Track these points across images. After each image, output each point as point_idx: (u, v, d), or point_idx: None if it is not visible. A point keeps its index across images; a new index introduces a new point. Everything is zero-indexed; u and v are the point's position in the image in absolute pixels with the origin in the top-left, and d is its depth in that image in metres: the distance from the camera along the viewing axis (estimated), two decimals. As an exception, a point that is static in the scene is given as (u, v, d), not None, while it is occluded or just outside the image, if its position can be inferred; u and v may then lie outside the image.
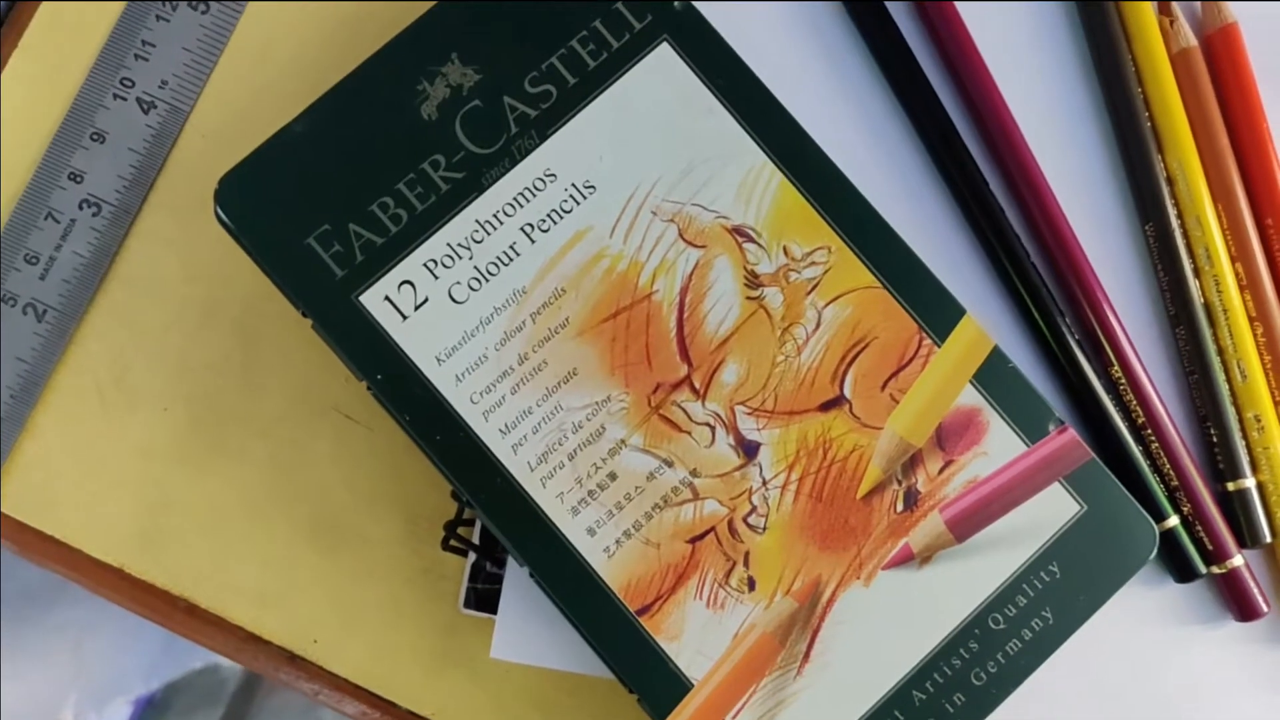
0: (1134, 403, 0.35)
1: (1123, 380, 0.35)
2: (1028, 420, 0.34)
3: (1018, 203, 0.36)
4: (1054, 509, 0.34)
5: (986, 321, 0.36)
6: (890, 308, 0.34)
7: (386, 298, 0.33)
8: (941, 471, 0.34)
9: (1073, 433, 0.34)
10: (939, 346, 0.34)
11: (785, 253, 0.34)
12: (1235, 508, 0.35)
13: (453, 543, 0.36)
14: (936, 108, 0.36)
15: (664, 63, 0.34)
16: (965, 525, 0.34)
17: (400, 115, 0.34)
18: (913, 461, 0.34)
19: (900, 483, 0.34)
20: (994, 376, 0.34)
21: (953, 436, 0.34)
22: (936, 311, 0.34)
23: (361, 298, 0.33)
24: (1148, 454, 0.35)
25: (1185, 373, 0.36)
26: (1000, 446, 0.34)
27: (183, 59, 0.38)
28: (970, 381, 0.34)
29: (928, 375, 0.34)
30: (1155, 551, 0.34)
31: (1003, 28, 0.37)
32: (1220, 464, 0.35)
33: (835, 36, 0.36)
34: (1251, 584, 0.35)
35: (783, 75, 0.36)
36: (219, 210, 0.33)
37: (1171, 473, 0.35)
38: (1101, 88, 0.36)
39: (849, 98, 0.36)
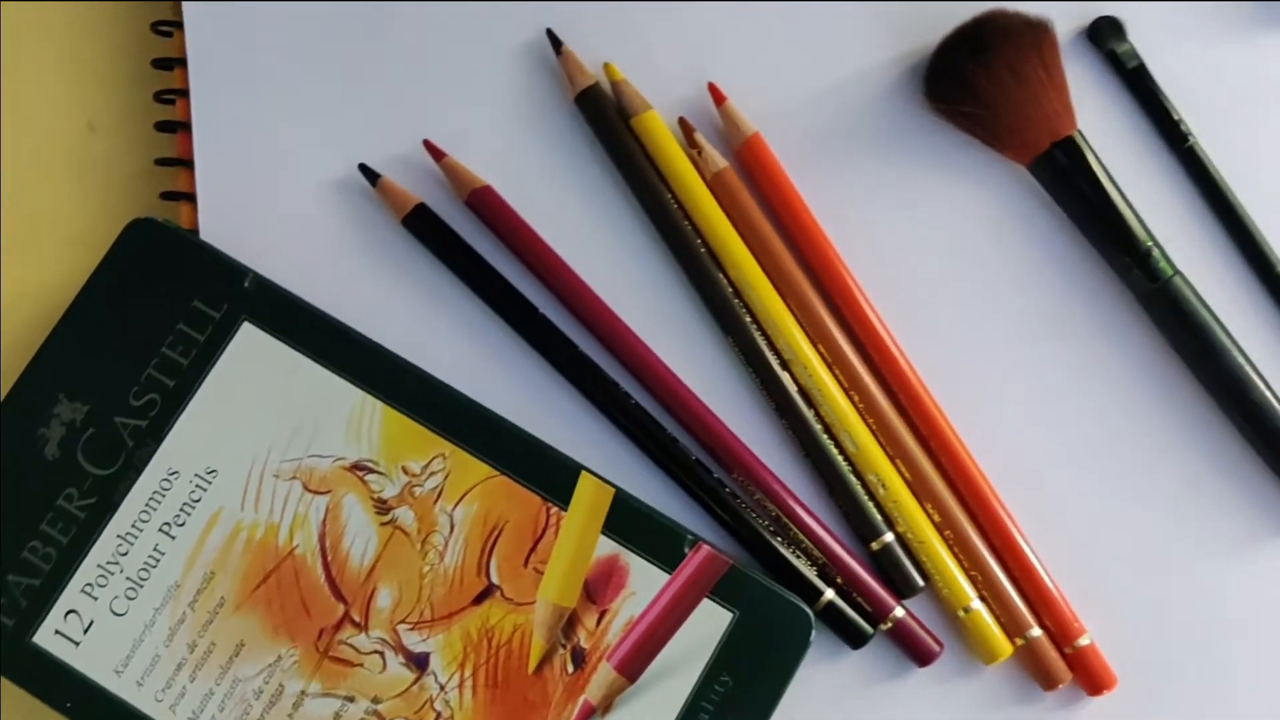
0: (763, 499, 0.38)
1: (747, 481, 0.38)
2: (664, 550, 0.37)
3: (613, 354, 0.39)
4: (709, 623, 0.36)
5: (611, 463, 0.38)
6: (513, 490, 0.37)
7: (57, 631, 0.36)
8: (599, 623, 0.36)
9: (707, 549, 0.37)
10: (565, 510, 0.37)
11: (405, 471, 0.37)
12: (885, 564, 0.38)
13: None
14: (517, 297, 0.39)
15: (249, 339, 0.37)
16: (633, 665, 0.36)
17: (28, 464, 0.37)
18: (571, 623, 0.36)
19: (565, 646, 0.36)
20: (623, 519, 0.37)
21: (600, 588, 0.36)
22: (555, 479, 0.37)
23: (35, 639, 0.36)
24: (790, 541, 0.38)
25: (803, 455, 0.39)
26: (646, 583, 0.36)
27: None
28: (603, 533, 0.37)
29: (562, 540, 0.37)
30: (813, 631, 0.36)
31: (558, 210, 0.40)
32: (859, 528, 0.38)
33: (404, 256, 0.40)
34: (918, 630, 0.38)
35: (374, 298, 0.39)
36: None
37: (817, 551, 0.38)
38: (659, 232, 0.39)
39: (440, 304, 0.39)
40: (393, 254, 0.40)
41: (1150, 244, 0.38)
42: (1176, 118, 0.40)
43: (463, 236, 0.39)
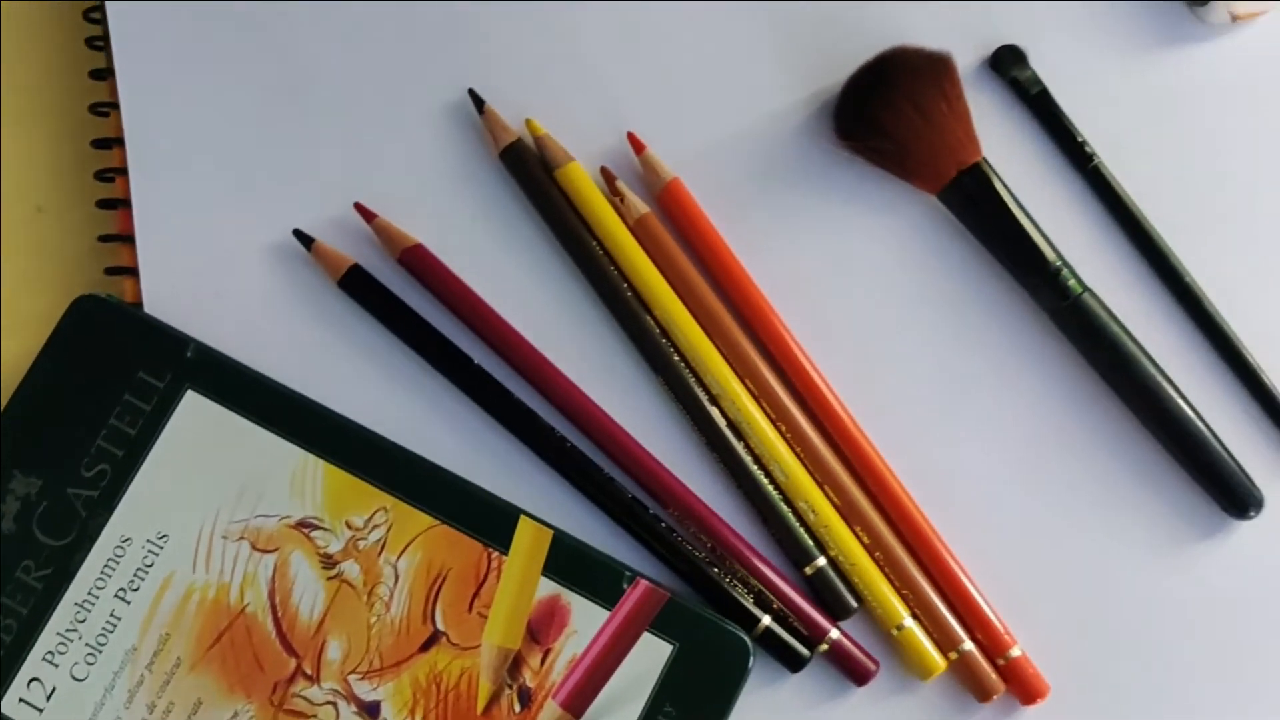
0: (699, 531, 0.39)
1: (683, 515, 0.39)
2: (604, 587, 0.38)
3: (548, 400, 0.40)
4: (650, 656, 0.37)
5: (551, 505, 0.40)
6: (454, 538, 0.38)
7: (21, 699, 0.37)
8: (544, 662, 0.37)
9: (645, 584, 0.38)
10: (506, 555, 0.38)
11: (348, 526, 0.38)
12: (819, 588, 0.39)
13: None
14: (452, 350, 0.40)
15: (193, 407, 0.39)
16: (578, 701, 0.37)
17: (-14, 539, 0.38)
18: (516, 663, 0.37)
19: (511, 686, 0.37)
20: (562, 560, 0.38)
21: (543, 628, 0.38)
22: (494, 524, 0.38)
23: (1, 709, 0.37)
24: (727, 570, 0.39)
25: (736, 487, 0.40)
26: (587, 620, 0.38)
27: None
28: (543, 574, 0.38)
29: (504, 584, 0.38)
30: (752, 658, 0.37)
31: (489, 263, 0.41)
32: (793, 554, 0.39)
33: (342, 315, 0.41)
34: (854, 651, 0.39)
35: (314, 359, 0.40)
36: None
37: (753, 579, 0.39)
38: (587, 279, 0.41)
39: (378, 361, 0.41)
40: (330, 315, 0.41)
41: (1059, 263, 0.40)
42: (1080, 139, 0.41)
43: (397, 294, 0.41)
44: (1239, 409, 0.41)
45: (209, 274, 0.41)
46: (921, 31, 0.42)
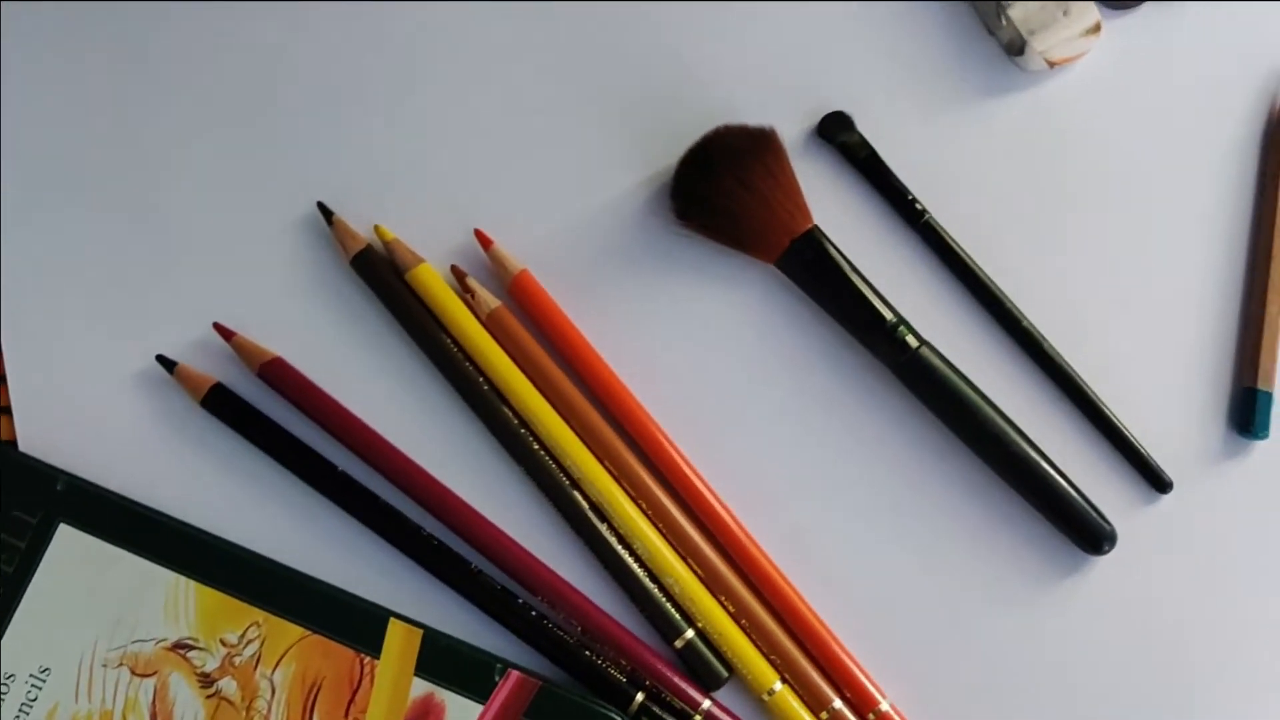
0: (570, 615, 0.40)
1: (553, 600, 0.40)
2: (476, 681, 0.39)
3: (414, 499, 0.41)
4: (525, 744, 0.38)
5: (423, 603, 0.40)
6: (327, 646, 0.39)
7: (-85, 845, 0.38)
8: (422, 760, 0.38)
9: (516, 674, 0.39)
10: (378, 658, 0.39)
11: (223, 643, 0.39)
12: (690, 659, 0.40)
13: None
14: (315, 459, 0.41)
15: (67, 540, 0.40)
16: (458, 796, 0.38)
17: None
18: (395, 764, 0.38)
19: (392, 787, 0.38)
20: (433, 658, 0.39)
21: (419, 727, 0.38)
22: (365, 629, 0.39)
23: None
24: (599, 651, 0.40)
25: (603, 567, 0.41)
26: (461, 716, 0.38)
27: None
28: (416, 674, 0.39)
29: (378, 688, 0.39)
30: (626, 737, 0.38)
31: (348, 368, 0.42)
32: (662, 629, 0.40)
33: (208, 434, 0.42)
34: (727, 719, 0.40)
35: (184, 480, 0.41)
36: None
37: (625, 658, 0.40)
38: (445, 376, 0.42)
39: (246, 476, 0.42)
40: (198, 434, 0.42)
41: (895, 320, 0.41)
42: (910, 197, 0.43)
43: (259, 409, 0.42)
44: (1087, 444, 0.42)
45: (80, 406, 0.42)
46: (750, 105, 0.43)
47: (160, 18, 0.44)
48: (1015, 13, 0.43)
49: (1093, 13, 0.43)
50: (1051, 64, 0.43)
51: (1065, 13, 0.43)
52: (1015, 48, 0.43)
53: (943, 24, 0.44)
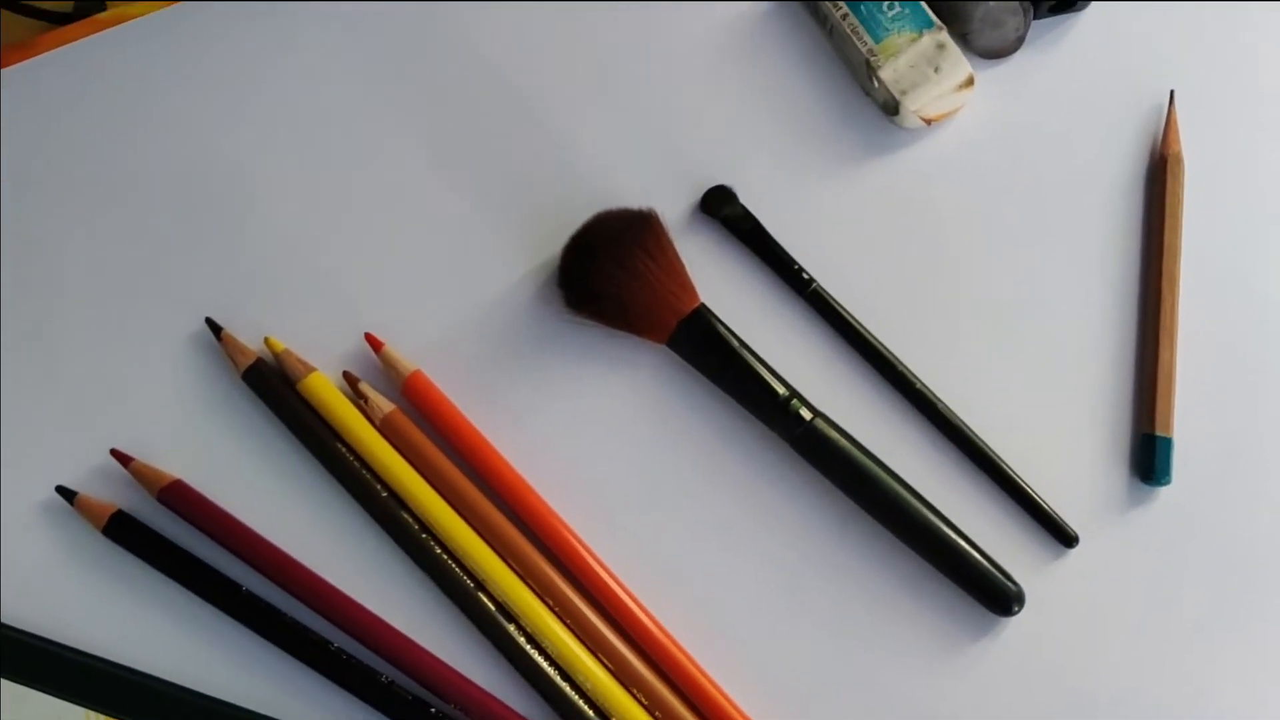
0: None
1: (466, 705, 0.40)
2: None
3: (318, 612, 0.41)
4: None
5: (337, 715, 0.40)
6: (239, 771, 0.39)
7: None
8: None
9: (431, 784, 0.38)
10: (291, 780, 0.39)
11: (136, 778, 0.39)
12: (609, 755, 0.40)
13: None
14: (218, 580, 0.41)
15: (-28, 684, 0.40)
16: None
17: None
18: None
19: None
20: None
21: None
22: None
23: None
24: (516, 754, 0.40)
25: (514, 670, 0.40)
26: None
27: None
28: (331, 792, 0.38)
29: (293, 809, 0.38)
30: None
31: (247, 484, 0.42)
32: (580, 728, 0.40)
33: (112, 562, 0.42)
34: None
35: (88, 611, 0.41)
36: None
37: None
38: (342, 485, 0.42)
39: (152, 601, 0.41)
40: (101, 562, 0.42)
41: (787, 393, 0.41)
42: (796, 266, 0.43)
43: (162, 532, 0.41)
44: (991, 503, 0.42)
45: (-19, 543, 0.42)
46: (635, 184, 0.43)
47: (41, 137, 0.44)
48: (885, 74, 0.43)
49: (965, 67, 0.43)
50: (928, 121, 0.43)
51: (936, 69, 0.43)
52: (890, 108, 0.43)
53: (821, 89, 0.44)
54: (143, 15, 0.45)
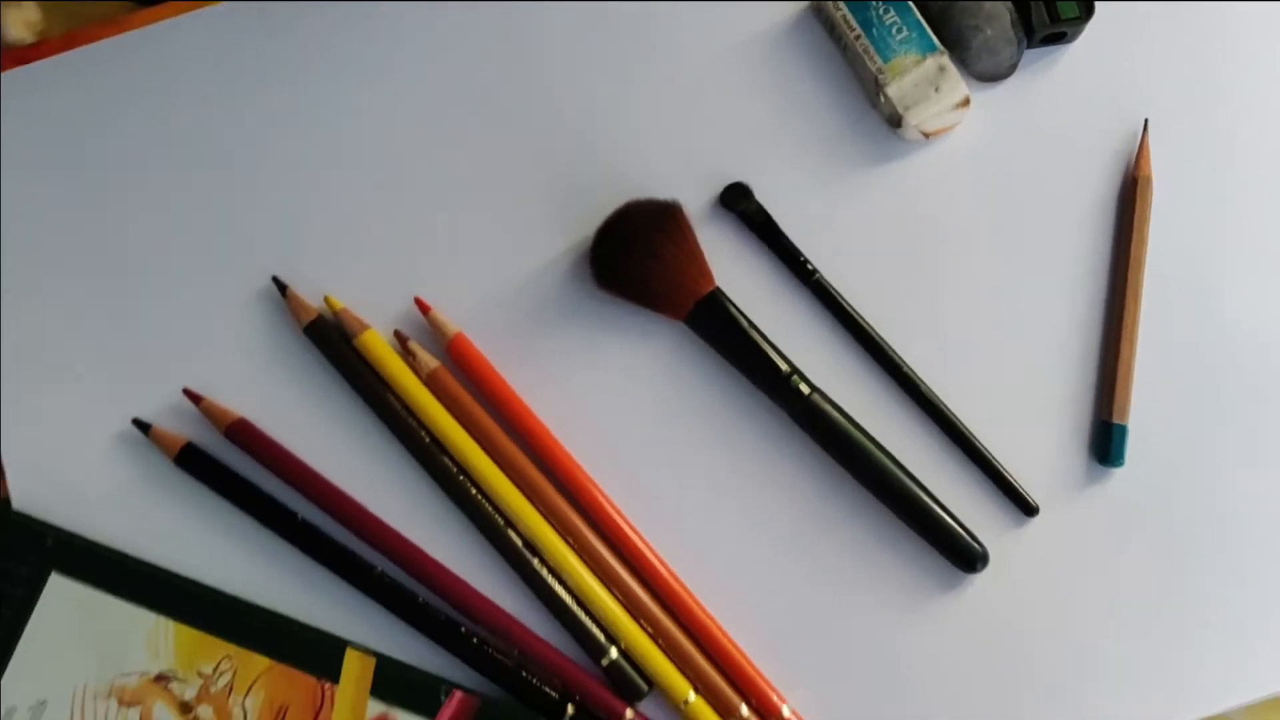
0: (507, 639, 0.45)
1: (492, 627, 0.45)
2: (424, 701, 0.44)
3: (366, 541, 0.46)
4: (465, 756, 0.43)
5: (376, 633, 0.45)
6: (291, 675, 0.44)
7: None
8: (378, 773, 0.43)
9: (460, 693, 0.44)
10: (336, 684, 0.44)
11: (199, 675, 0.44)
12: (615, 676, 0.45)
13: None
14: (278, 508, 0.46)
15: (60, 589, 0.45)
16: (410, 804, 0.43)
17: (-112, 725, 0.44)
18: (353, 778, 0.43)
19: (352, 798, 0.43)
20: (386, 682, 0.44)
21: (375, 744, 0.44)
22: (324, 658, 0.44)
23: None
24: (533, 670, 0.45)
25: (536, 597, 0.46)
26: (411, 733, 0.44)
27: None
28: (371, 696, 0.44)
29: (338, 711, 0.44)
30: (557, 746, 0.43)
31: (305, 426, 0.47)
32: (590, 649, 0.45)
33: (182, 488, 0.47)
34: (646, 730, 0.45)
35: (162, 529, 0.46)
36: None
37: (557, 676, 0.45)
38: (391, 430, 0.47)
39: (217, 524, 0.47)
40: (172, 488, 0.47)
41: (789, 370, 0.46)
42: (802, 258, 0.48)
43: (227, 464, 0.47)
44: (963, 475, 0.47)
45: (67, 466, 0.47)
46: (662, 177, 0.48)
47: (133, 112, 0.49)
48: (892, 91, 0.48)
49: (962, 88, 0.48)
50: (927, 135, 0.48)
51: (937, 89, 0.48)
52: (894, 121, 0.48)
53: (834, 101, 0.49)
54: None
